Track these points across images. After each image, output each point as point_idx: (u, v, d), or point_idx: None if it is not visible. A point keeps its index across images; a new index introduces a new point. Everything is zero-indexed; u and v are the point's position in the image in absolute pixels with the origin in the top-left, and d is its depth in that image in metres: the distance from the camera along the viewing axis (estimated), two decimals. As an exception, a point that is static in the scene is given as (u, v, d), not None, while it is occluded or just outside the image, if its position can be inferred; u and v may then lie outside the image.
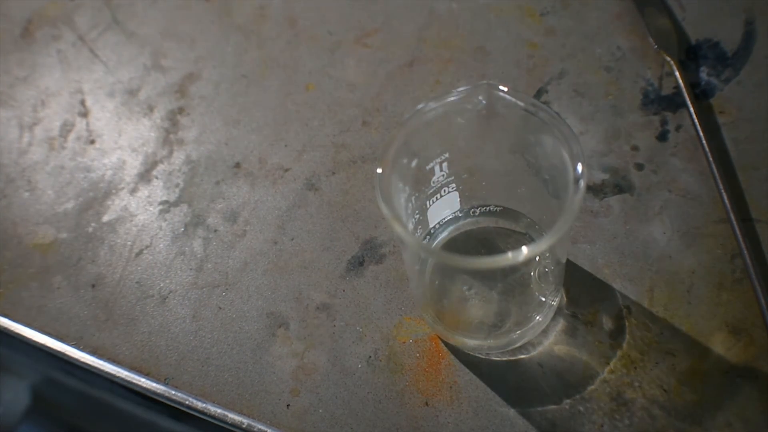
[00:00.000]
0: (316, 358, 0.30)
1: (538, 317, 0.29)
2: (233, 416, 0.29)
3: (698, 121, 0.33)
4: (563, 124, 0.23)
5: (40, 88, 0.39)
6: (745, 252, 0.30)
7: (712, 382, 0.28)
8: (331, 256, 0.33)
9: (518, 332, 0.29)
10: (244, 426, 0.29)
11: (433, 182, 0.28)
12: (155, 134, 0.37)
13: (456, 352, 0.30)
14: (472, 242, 0.31)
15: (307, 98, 0.37)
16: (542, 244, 0.21)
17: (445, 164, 0.27)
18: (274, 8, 0.40)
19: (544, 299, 0.29)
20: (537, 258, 0.27)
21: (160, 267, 0.33)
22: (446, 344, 0.30)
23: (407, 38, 0.38)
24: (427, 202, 0.28)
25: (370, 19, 0.39)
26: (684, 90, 0.34)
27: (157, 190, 0.35)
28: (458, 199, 0.30)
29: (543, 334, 0.30)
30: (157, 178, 0.36)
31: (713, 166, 0.32)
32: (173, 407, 0.30)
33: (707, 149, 0.32)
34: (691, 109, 0.33)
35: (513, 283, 0.29)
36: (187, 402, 0.30)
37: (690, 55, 0.36)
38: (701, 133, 0.33)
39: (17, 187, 0.36)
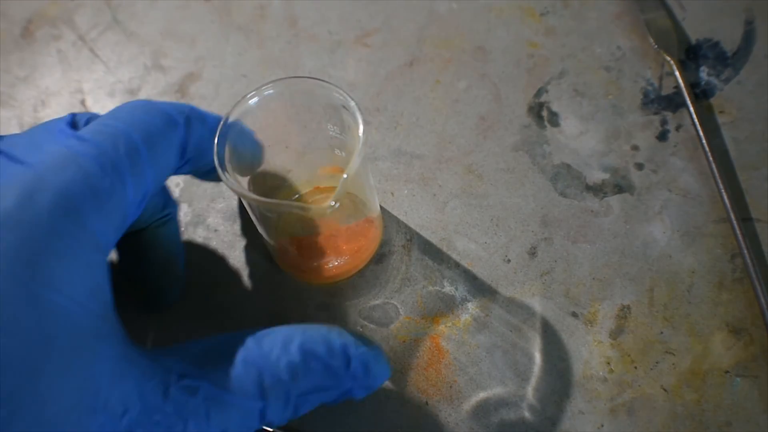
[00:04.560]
0: (316, 357, 0.30)
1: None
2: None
3: (698, 120, 0.33)
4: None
5: (41, 87, 0.39)
6: (745, 252, 0.30)
7: (712, 382, 0.28)
8: (331, 256, 0.33)
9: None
10: (244, 426, 0.29)
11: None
12: (155, 134, 0.37)
13: (456, 352, 0.30)
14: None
15: (307, 98, 0.37)
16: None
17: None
18: (274, 8, 0.40)
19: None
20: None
21: (160, 267, 0.33)
22: (446, 343, 0.30)
23: (407, 38, 0.38)
24: None
25: (370, 19, 0.39)
26: (684, 90, 0.34)
27: (157, 190, 0.36)
28: None
29: (543, 334, 0.30)
30: (157, 177, 0.36)
31: (713, 166, 0.32)
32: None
33: (707, 149, 0.32)
34: (691, 109, 0.33)
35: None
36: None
37: (690, 55, 0.36)
38: (701, 133, 0.33)
39: (17, 186, 0.36)
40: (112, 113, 0.23)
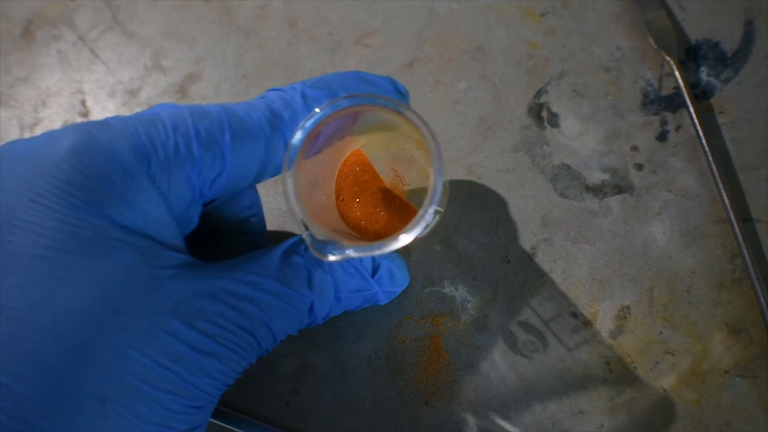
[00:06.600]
0: (316, 357, 0.30)
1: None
2: (233, 416, 0.29)
3: (698, 121, 0.33)
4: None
5: (41, 88, 0.39)
6: (745, 252, 0.30)
7: (712, 382, 0.28)
8: (331, 256, 0.33)
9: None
10: (244, 426, 0.29)
11: None
12: (155, 134, 0.37)
13: (456, 352, 0.30)
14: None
15: (308, 98, 0.37)
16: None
17: None
18: (274, 8, 0.40)
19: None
20: None
21: (161, 267, 0.33)
22: (446, 344, 0.30)
23: (407, 38, 0.38)
24: None
25: (370, 19, 0.39)
26: (684, 90, 0.34)
27: (157, 190, 0.35)
28: None
29: (543, 335, 0.30)
30: (157, 178, 0.36)
31: (713, 166, 0.32)
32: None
33: (707, 149, 0.32)
34: (691, 109, 0.33)
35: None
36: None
37: (690, 55, 0.36)
38: (701, 133, 0.33)
39: (18, 187, 0.36)
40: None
